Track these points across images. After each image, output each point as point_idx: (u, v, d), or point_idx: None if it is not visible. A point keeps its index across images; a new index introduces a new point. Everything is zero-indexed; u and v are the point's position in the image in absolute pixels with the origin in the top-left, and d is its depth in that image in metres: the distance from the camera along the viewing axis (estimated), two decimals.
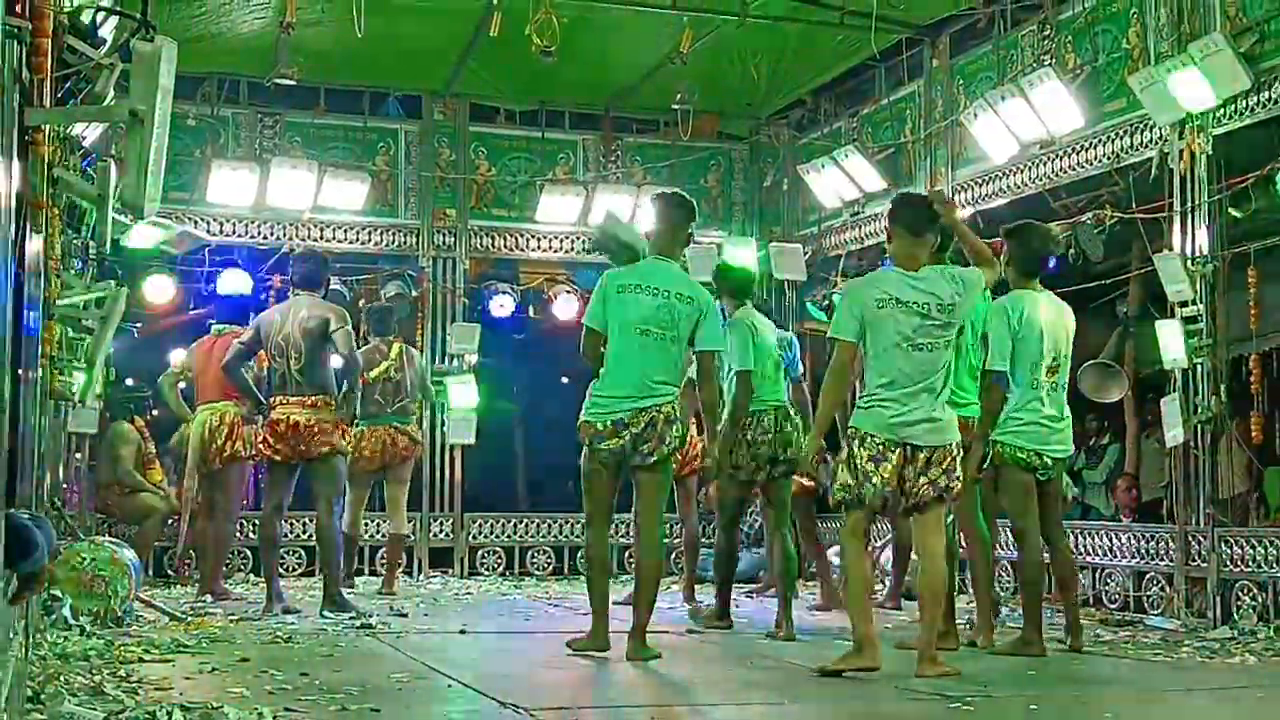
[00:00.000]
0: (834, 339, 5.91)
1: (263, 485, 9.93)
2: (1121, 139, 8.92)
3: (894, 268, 6.05)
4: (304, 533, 11.20)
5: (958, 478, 5.89)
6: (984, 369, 6.69)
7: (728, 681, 5.87)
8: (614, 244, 6.78)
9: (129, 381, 11.32)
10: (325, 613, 7.99)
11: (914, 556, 8.91)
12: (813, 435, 6.20)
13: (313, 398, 8.12)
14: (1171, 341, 8.16)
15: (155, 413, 11.37)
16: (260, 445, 8.37)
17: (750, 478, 7.56)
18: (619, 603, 7.20)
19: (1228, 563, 7.88)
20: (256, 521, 10.42)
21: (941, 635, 6.39)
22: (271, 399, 8.32)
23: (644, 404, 6.22)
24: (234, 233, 11.69)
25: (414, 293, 12.00)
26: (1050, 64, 9.26)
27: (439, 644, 6.86)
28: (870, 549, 8.16)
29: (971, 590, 7.26)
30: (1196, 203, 8.22)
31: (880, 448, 5.76)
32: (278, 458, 8.18)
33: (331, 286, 10.09)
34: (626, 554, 11.81)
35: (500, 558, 12.05)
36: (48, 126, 5.13)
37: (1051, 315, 6.76)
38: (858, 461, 5.80)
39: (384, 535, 10.88)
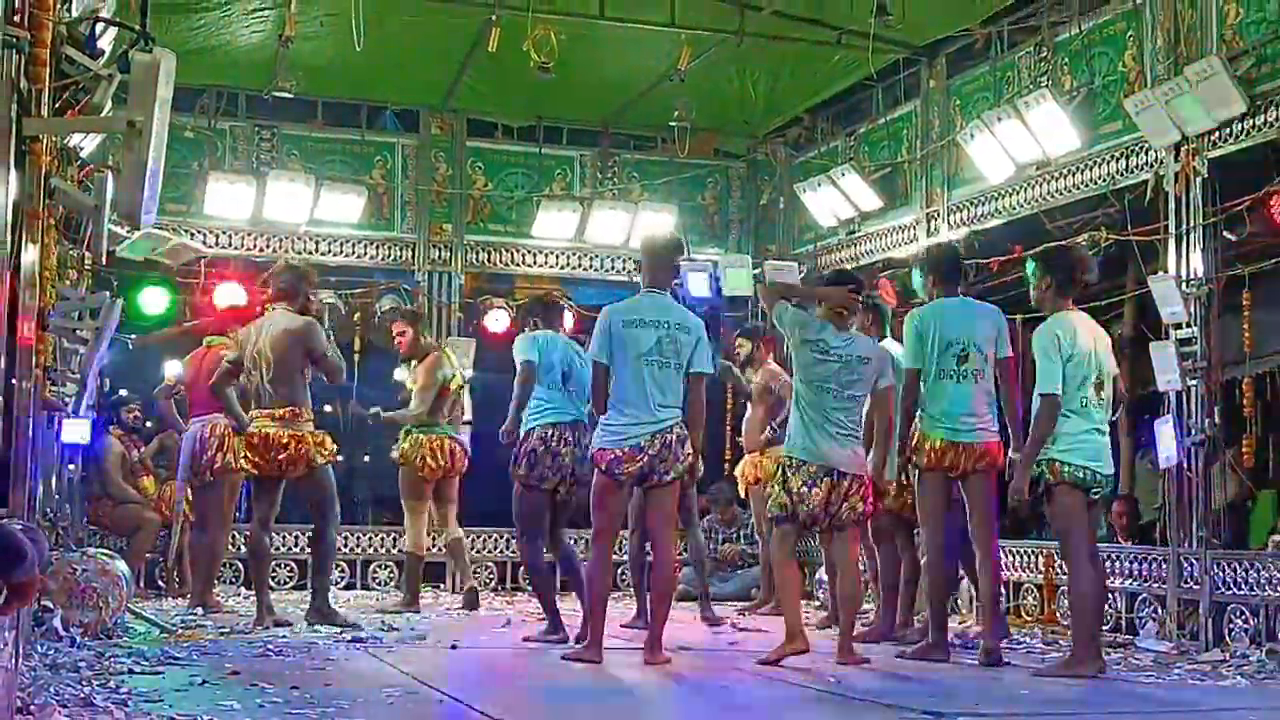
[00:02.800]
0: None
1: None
2: (1117, 161, 8.94)
3: (826, 323, 7.07)
4: (295, 546, 11.18)
5: (869, 502, 6.98)
6: (1038, 393, 6.72)
7: (722, 699, 5.86)
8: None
9: (123, 392, 11.31)
10: (311, 621, 8.09)
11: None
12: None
13: (282, 410, 8.14)
14: (1165, 364, 8.17)
15: (149, 424, 11.35)
16: (240, 460, 8.40)
17: (553, 489, 7.69)
18: (625, 625, 7.54)
19: (1220, 585, 7.88)
20: (247, 534, 10.48)
21: (933, 646, 7.20)
22: (249, 413, 8.36)
23: (658, 427, 6.66)
24: (230, 245, 11.69)
25: (409, 307, 11.98)
26: (1047, 85, 9.28)
27: (431, 659, 6.84)
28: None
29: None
30: (1191, 225, 8.24)
31: (813, 474, 6.81)
32: (256, 471, 8.25)
33: (328, 301, 10.09)
34: (620, 570, 11.82)
35: (493, 573, 12.03)
36: (45, 136, 5.13)
37: (1093, 334, 6.87)
38: (793, 485, 6.83)
39: (400, 550, 10.84)
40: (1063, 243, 7.94)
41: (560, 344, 7.89)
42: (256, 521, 8.39)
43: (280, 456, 8.10)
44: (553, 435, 7.59)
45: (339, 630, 7.81)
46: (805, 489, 6.82)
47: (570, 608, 8.01)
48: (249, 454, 8.17)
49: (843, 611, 7.10)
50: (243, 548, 10.85)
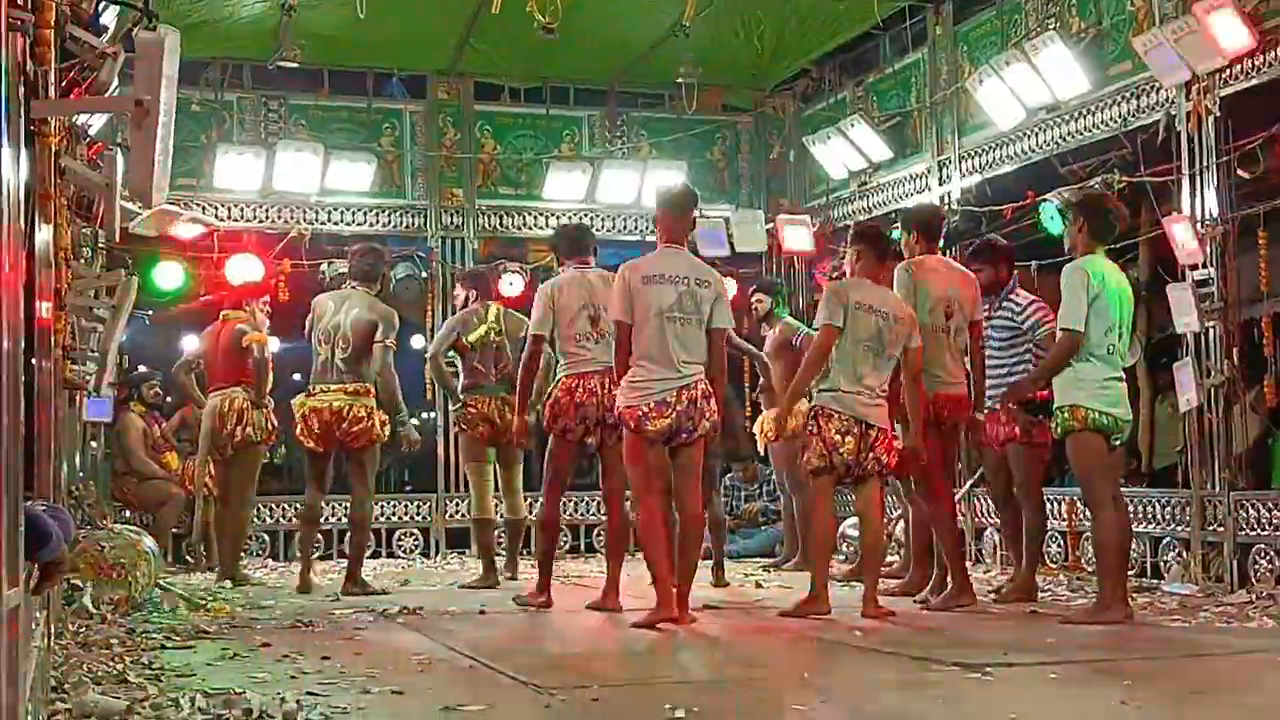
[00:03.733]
0: (824, 325, 6.94)
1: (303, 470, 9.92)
2: (1128, 102, 8.89)
3: (861, 279, 7.13)
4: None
5: (891, 454, 6.99)
6: (1060, 328, 6.83)
7: (748, 655, 5.89)
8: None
9: (142, 368, 11.36)
10: (344, 594, 8.24)
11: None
12: (784, 407, 7.41)
13: (354, 385, 8.50)
14: (1183, 305, 8.14)
15: (169, 399, 11.40)
16: (299, 435, 8.66)
17: (581, 440, 7.50)
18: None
19: (1244, 526, 7.88)
20: (283, 506, 11.16)
21: (959, 592, 7.33)
22: (310, 386, 8.65)
23: (683, 383, 6.61)
24: (242, 217, 11.69)
25: (423, 273, 11.98)
26: (1055, 28, 9.22)
27: (459, 625, 6.87)
28: (887, 520, 8.43)
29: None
30: (1205, 165, 8.20)
31: (846, 423, 6.87)
32: (320, 448, 8.59)
33: (342, 271, 10.08)
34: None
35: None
36: (54, 117, 5.12)
37: (1120, 281, 6.89)
38: (828, 434, 6.87)
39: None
40: (1094, 190, 8.10)
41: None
42: (312, 495, 8.82)
43: (354, 429, 8.45)
44: (578, 385, 7.35)
45: (369, 600, 7.89)
46: (839, 437, 6.86)
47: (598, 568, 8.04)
48: (316, 428, 8.50)
49: (867, 562, 7.20)
50: (267, 519, 11.05)
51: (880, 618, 6.77)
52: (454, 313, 9.93)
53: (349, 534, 9.03)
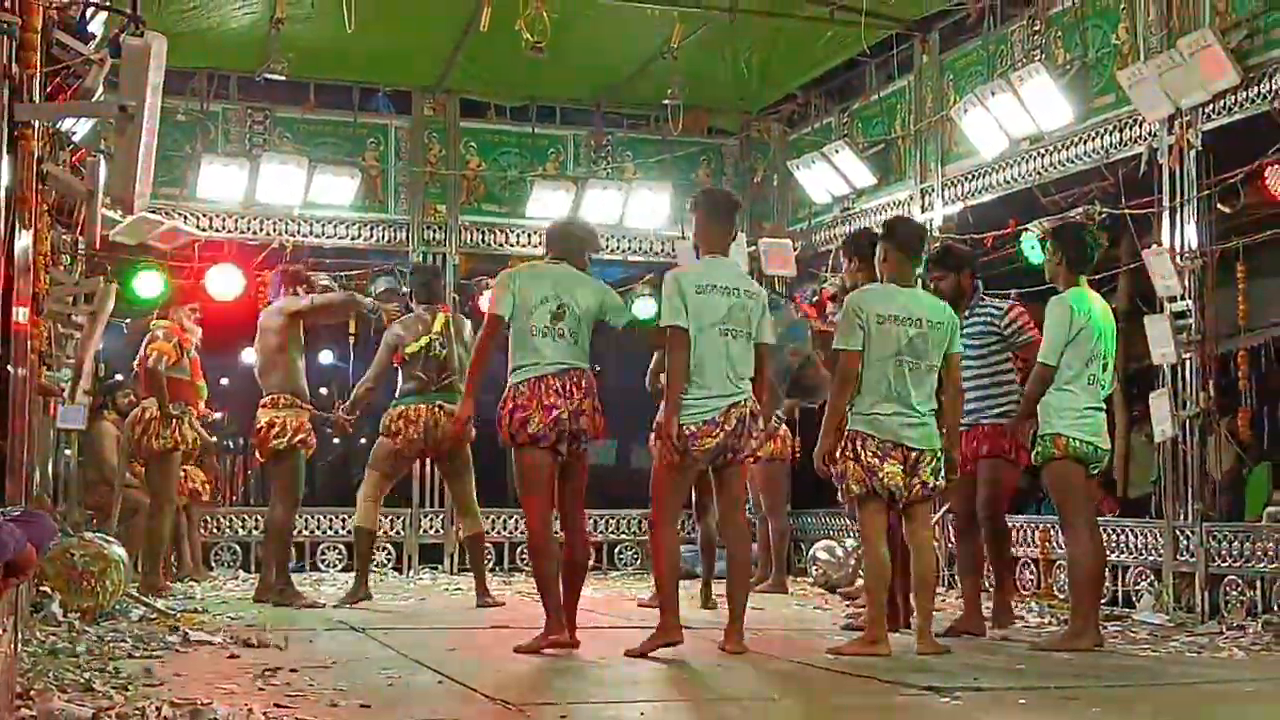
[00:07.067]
0: (841, 350, 6.44)
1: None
2: (1111, 134, 8.94)
3: (887, 285, 6.54)
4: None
5: (942, 477, 6.46)
6: (1038, 360, 6.75)
7: (720, 677, 5.87)
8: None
9: (118, 377, 11.31)
10: (258, 600, 8.54)
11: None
12: (822, 437, 6.53)
13: (267, 398, 8.66)
14: (1160, 337, 8.18)
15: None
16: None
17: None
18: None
19: (1216, 558, 7.90)
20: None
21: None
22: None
23: (734, 400, 6.22)
24: (224, 228, 11.69)
25: (404, 289, 11.95)
26: (1040, 59, 9.28)
27: (428, 641, 6.84)
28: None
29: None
30: (1185, 198, 8.25)
31: (883, 446, 6.35)
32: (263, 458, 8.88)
33: (323, 283, 10.02)
34: (618, 549, 11.94)
35: (491, 554, 12.00)
36: (37, 121, 5.11)
37: (1104, 312, 6.86)
38: (864, 458, 6.37)
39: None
40: (1071, 220, 8.07)
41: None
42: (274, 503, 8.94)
43: (259, 441, 8.66)
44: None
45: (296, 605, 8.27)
46: (876, 460, 6.35)
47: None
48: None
49: (919, 596, 6.56)
50: (238, 530, 11.45)
51: (934, 653, 6.29)
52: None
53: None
